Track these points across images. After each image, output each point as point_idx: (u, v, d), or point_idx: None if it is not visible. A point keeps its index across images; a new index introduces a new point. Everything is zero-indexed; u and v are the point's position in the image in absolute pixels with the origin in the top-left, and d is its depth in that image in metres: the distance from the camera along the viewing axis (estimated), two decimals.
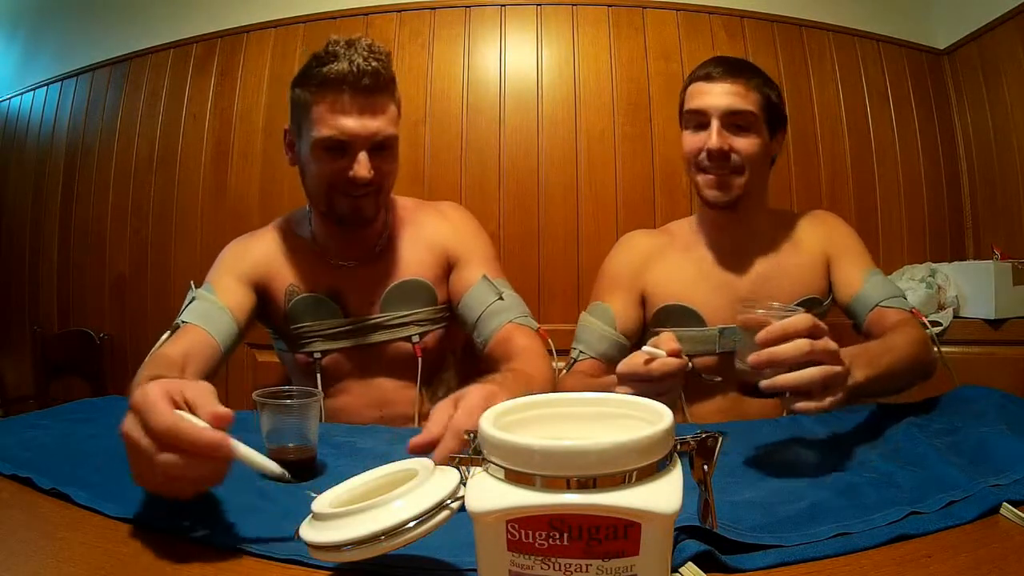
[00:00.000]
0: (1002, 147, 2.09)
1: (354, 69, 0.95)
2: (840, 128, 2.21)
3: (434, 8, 2.23)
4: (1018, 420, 0.77)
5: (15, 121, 2.73)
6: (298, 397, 0.73)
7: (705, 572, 0.45)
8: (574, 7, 2.21)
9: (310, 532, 0.42)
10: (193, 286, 1.04)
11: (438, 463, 0.45)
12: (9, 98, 2.77)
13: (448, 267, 1.15)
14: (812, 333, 0.66)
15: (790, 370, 0.66)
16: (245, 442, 0.52)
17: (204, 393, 0.55)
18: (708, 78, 1.10)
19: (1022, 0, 1.96)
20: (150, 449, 0.50)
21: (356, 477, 0.48)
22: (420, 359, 1.10)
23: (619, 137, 2.15)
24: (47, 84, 2.65)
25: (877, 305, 1.08)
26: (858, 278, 1.13)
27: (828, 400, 0.67)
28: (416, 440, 0.60)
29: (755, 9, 2.21)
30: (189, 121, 2.35)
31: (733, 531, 0.49)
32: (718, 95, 1.07)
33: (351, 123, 0.97)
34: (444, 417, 0.62)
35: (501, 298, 1.09)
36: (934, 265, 1.92)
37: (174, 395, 0.54)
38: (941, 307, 1.81)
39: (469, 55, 2.21)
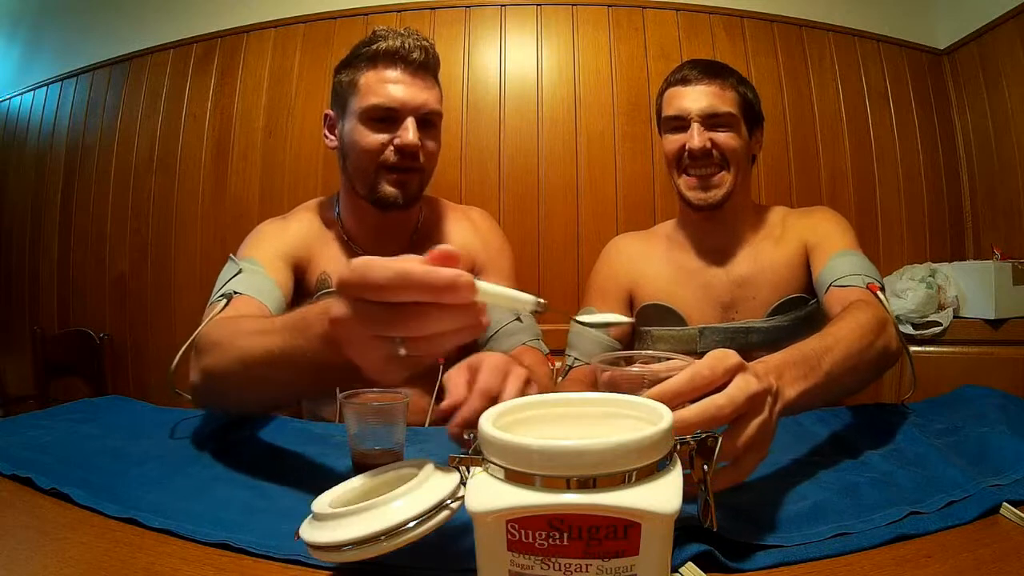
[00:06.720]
0: (1002, 147, 2.09)
1: (405, 45, 0.99)
2: (840, 128, 2.21)
3: (434, 8, 2.23)
4: (1018, 420, 0.77)
5: (15, 121, 2.73)
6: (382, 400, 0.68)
7: (705, 572, 0.45)
8: (574, 7, 2.21)
9: (310, 532, 0.42)
10: (234, 258, 0.98)
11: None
12: (9, 98, 2.77)
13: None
14: (708, 382, 0.47)
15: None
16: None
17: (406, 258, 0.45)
18: (684, 81, 1.10)
19: (1022, 0, 1.96)
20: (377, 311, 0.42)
21: (356, 477, 0.48)
22: (442, 367, 1.10)
23: (619, 137, 2.15)
24: (47, 84, 2.64)
25: (830, 286, 0.98)
26: (824, 262, 1.04)
27: (756, 459, 0.50)
28: (442, 406, 0.59)
29: (755, 9, 2.21)
30: (189, 121, 2.35)
31: (733, 531, 0.49)
32: (696, 98, 1.07)
33: (400, 91, 0.99)
34: (462, 381, 0.61)
35: (519, 319, 1.09)
36: (934, 265, 1.92)
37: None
38: (941, 307, 1.81)
39: (469, 55, 2.21)
